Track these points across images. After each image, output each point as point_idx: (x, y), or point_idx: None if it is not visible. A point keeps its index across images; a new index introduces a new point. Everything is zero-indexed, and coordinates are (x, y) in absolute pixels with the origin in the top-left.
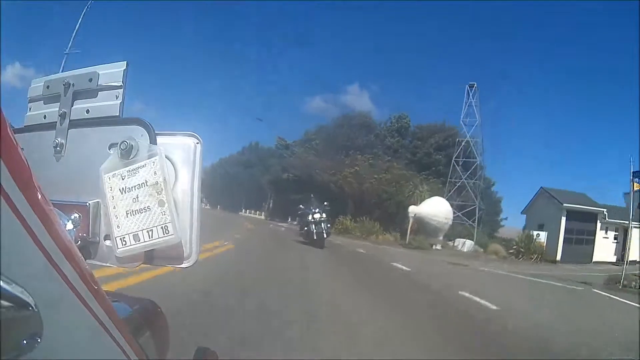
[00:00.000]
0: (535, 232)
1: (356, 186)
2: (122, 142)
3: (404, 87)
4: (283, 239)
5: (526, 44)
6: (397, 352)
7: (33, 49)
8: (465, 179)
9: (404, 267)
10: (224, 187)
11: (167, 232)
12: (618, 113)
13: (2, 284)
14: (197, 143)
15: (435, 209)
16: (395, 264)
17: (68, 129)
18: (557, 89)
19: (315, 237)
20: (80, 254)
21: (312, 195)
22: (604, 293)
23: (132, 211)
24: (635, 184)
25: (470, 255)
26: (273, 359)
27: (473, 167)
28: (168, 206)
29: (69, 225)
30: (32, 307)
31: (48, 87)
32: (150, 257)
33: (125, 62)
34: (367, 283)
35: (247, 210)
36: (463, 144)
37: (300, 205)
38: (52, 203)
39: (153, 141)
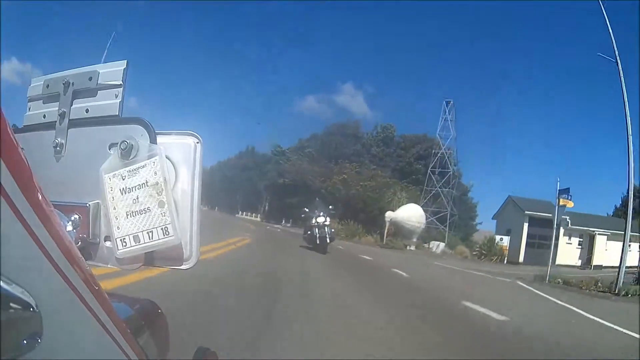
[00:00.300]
0: (498, 237)
1: (344, 192)
2: (122, 141)
3: (399, 90)
4: (279, 234)
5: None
6: (341, 290)
7: (33, 49)
8: (439, 188)
9: (369, 258)
10: (222, 189)
11: (167, 233)
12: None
13: (2, 284)
14: (197, 142)
15: (410, 214)
16: (364, 256)
17: (68, 129)
18: (546, 99)
19: (317, 242)
20: (80, 255)
21: (317, 199)
22: (522, 284)
23: (133, 212)
24: (561, 199)
25: (439, 255)
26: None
27: (447, 176)
28: (168, 207)
29: (69, 226)
30: (33, 308)
31: (48, 86)
32: (150, 258)
33: (125, 61)
34: (340, 266)
35: (244, 212)
36: (439, 155)
37: (305, 209)
38: (53, 204)
39: (153, 141)
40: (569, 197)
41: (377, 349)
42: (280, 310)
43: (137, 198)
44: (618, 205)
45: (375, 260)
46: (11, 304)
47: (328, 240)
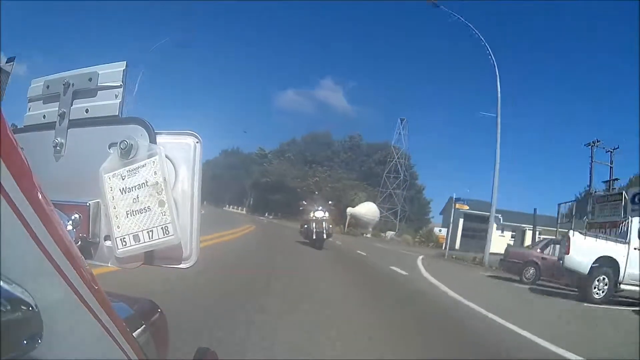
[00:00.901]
0: (437, 228)
1: (316, 192)
2: (122, 141)
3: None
4: (266, 224)
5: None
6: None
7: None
8: (392, 190)
9: (339, 243)
10: (211, 185)
11: (167, 232)
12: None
13: (2, 284)
14: (197, 142)
15: (366, 210)
16: (335, 241)
17: (68, 129)
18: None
19: (314, 237)
20: (80, 255)
21: (316, 192)
22: (422, 256)
23: (132, 211)
24: (457, 204)
25: (388, 241)
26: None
27: (399, 180)
28: (168, 206)
29: (69, 226)
30: (32, 308)
31: (48, 86)
32: (150, 257)
33: (125, 62)
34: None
35: (230, 206)
36: (392, 162)
37: (303, 202)
38: (52, 203)
39: (153, 140)
40: (464, 203)
41: (337, 282)
42: (279, 247)
43: (137, 197)
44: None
45: (343, 243)
46: (11, 304)
47: (325, 236)
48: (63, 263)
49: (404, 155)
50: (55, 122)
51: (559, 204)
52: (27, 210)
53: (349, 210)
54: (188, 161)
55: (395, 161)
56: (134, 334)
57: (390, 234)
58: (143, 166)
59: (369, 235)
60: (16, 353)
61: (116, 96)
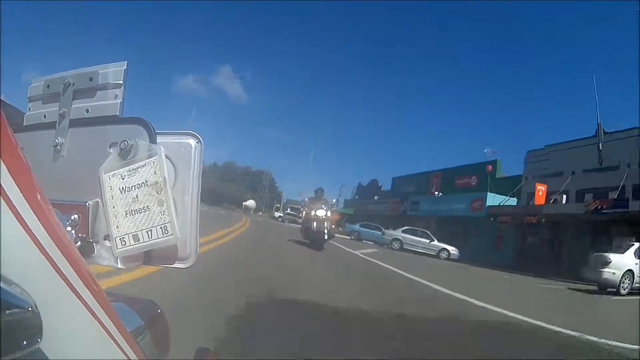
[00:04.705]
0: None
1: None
2: (122, 141)
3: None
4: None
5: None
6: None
7: (33, 48)
8: (262, 193)
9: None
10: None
11: (166, 232)
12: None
13: (2, 284)
14: (198, 142)
15: (250, 202)
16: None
17: (68, 129)
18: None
19: (314, 237)
20: (79, 254)
21: (319, 188)
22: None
23: (132, 211)
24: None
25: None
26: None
27: (268, 190)
28: (167, 206)
29: (69, 226)
30: (32, 308)
31: (48, 86)
32: (149, 257)
33: (126, 62)
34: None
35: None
36: (262, 180)
37: (305, 199)
38: (52, 203)
39: (153, 140)
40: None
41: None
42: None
43: (137, 197)
44: None
45: (254, 220)
46: (11, 304)
47: (326, 237)
48: (62, 263)
49: (267, 175)
50: (56, 121)
51: None
52: (27, 210)
53: (244, 203)
54: (188, 161)
55: (263, 178)
56: (134, 334)
57: (258, 212)
58: (143, 166)
59: (251, 213)
60: (16, 353)
61: (116, 96)
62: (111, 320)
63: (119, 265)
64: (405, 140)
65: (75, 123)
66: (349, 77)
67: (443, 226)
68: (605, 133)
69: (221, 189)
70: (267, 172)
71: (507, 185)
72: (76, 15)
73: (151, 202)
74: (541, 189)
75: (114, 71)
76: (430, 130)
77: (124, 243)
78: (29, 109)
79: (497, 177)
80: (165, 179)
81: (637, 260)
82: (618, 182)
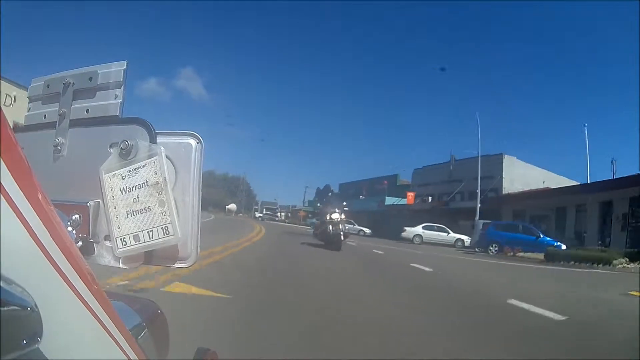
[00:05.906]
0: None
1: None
2: (123, 141)
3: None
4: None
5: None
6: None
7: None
8: (240, 198)
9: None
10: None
11: (167, 232)
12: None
13: (2, 284)
14: (198, 143)
15: (232, 206)
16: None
17: (68, 129)
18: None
19: (331, 239)
20: (80, 254)
21: (329, 194)
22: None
23: (133, 211)
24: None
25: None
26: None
27: (245, 194)
28: (168, 206)
29: (69, 226)
30: (32, 307)
31: (48, 86)
32: (150, 257)
33: (125, 61)
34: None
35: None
36: (240, 185)
37: (318, 204)
38: (53, 203)
39: (153, 140)
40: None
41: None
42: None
43: (137, 197)
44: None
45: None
46: (11, 304)
47: (342, 237)
48: (63, 263)
49: (243, 181)
50: (56, 122)
51: None
52: (27, 210)
53: (227, 206)
54: (189, 161)
55: (240, 183)
56: (133, 334)
57: (239, 214)
58: (143, 166)
59: (240, 215)
60: (16, 353)
61: (116, 96)
62: (111, 320)
63: (120, 265)
64: (352, 151)
65: (76, 123)
66: (314, 89)
67: (367, 218)
68: (455, 160)
69: (205, 195)
70: (243, 178)
71: (405, 190)
72: (76, 15)
73: (152, 203)
74: (410, 194)
75: (113, 71)
76: (364, 145)
77: (124, 243)
78: (29, 109)
79: (397, 184)
80: (165, 180)
81: (422, 230)
82: (460, 190)
